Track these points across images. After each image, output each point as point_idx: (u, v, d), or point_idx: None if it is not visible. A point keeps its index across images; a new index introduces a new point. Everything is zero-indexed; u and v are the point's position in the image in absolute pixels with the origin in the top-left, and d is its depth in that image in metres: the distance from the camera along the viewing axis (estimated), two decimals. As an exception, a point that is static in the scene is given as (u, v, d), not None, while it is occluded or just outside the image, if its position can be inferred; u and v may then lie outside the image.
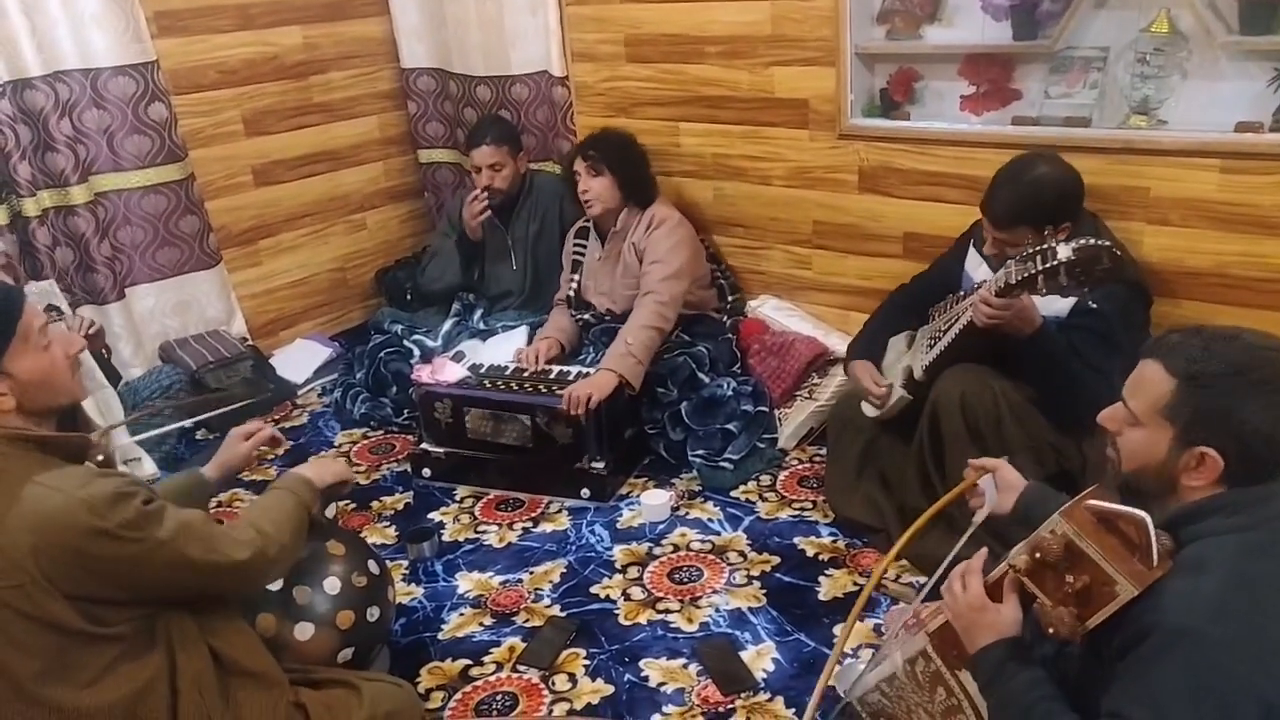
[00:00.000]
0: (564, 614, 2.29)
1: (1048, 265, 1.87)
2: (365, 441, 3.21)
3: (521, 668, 2.12)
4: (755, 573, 2.38)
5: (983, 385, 2.15)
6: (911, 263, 2.81)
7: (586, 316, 3.08)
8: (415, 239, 4.16)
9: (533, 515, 2.70)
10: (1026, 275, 1.90)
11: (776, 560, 2.42)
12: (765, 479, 2.78)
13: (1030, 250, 1.92)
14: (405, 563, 2.52)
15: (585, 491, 2.71)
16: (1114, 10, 2.46)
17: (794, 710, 1.94)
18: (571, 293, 3.10)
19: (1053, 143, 2.45)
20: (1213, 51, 2.35)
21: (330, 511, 2.05)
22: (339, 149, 3.85)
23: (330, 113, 3.79)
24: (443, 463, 2.87)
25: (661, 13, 3.15)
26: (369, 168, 3.98)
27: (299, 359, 3.69)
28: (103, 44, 3.08)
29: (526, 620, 2.28)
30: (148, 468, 2.90)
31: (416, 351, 3.21)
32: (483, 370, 2.86)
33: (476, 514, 2.74)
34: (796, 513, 2.62)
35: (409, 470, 2.95)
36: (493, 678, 2.11)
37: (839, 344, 2.99)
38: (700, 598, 2.30)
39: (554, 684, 2.07)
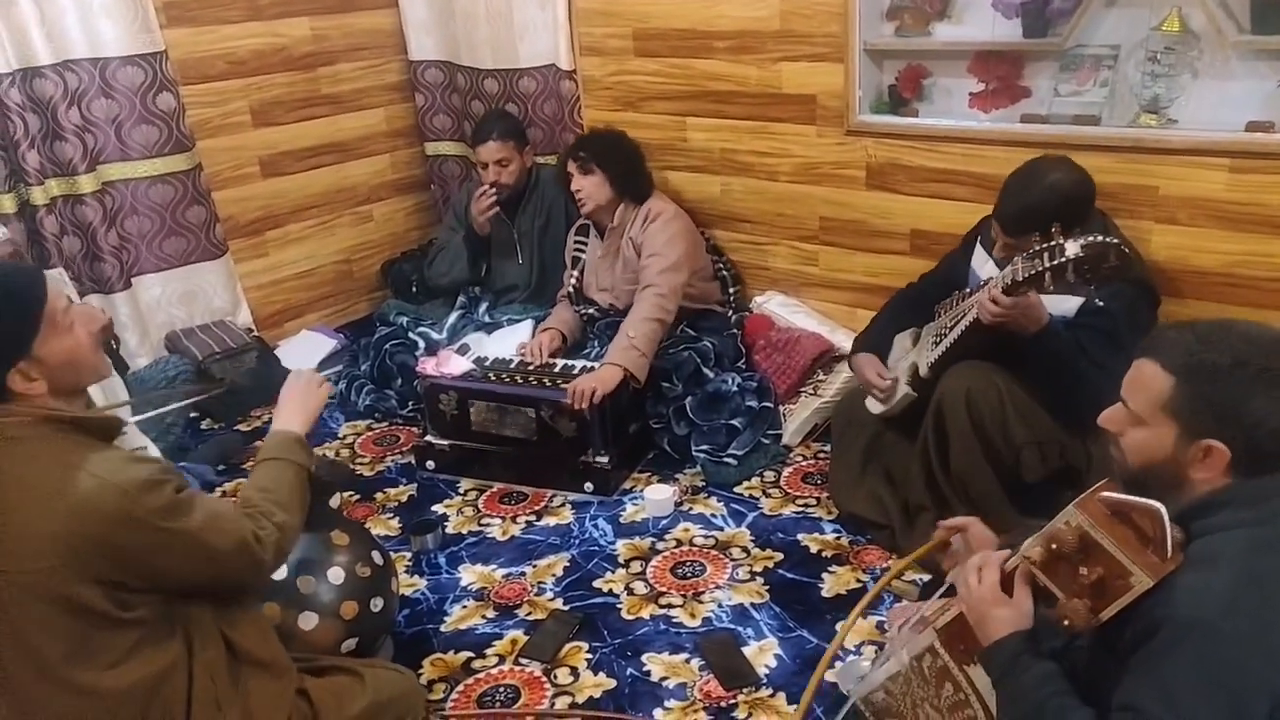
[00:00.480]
0: (567, 608, 2.29)
1: (1055, 262, 1.86)
2: (370, 433, 3.22)
3: (524, 661, 2.13)
4: (758, 568, 2.38)
5: (988, 382, 2.15)
6: (919, 260, 2.81)
7: (591, 311, 3.09)
8: (421, 231, 4.16)
9: (536, 509, 2.71)
10: (1034, 272, 1.90)
11: (780, 556, 2.42)
12: (769, 475, 2.78)
13: (1038, 247, 1.91)
14: (409, 555, 2.53)
15: (589, 485, 2.71)
16: (1125, 8, 2.45)
17: (795, 707, 1.93)
18: (572, 289, 3.10)
19: (1062, 141, 2.45)
20: (1224, 51, 2.34)
21: (335, 502, 2.05)
22: (346, 141, 3.86)
23: (338, 104, 3.79)
24: (447, 455, 2.87)
25: (670, 7, 3.15)
26: (376, 160, 3.98)
27: (304, 350, 3.69)
28: (112, 34, 3.09)
29: (529, 613, 2.28)
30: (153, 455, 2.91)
31: (421, 344, 3.22)
32: (488, 363, 2.86)
33: (480, 507, 2.74)
34: (800, 509, 2.61)
35: (413, 462, 2.95)
36: (495, 670, 2.11)
37: (844, 340, 2.98)
38: (703, 593, 2.30)
39: (556, 677, 2.07)
